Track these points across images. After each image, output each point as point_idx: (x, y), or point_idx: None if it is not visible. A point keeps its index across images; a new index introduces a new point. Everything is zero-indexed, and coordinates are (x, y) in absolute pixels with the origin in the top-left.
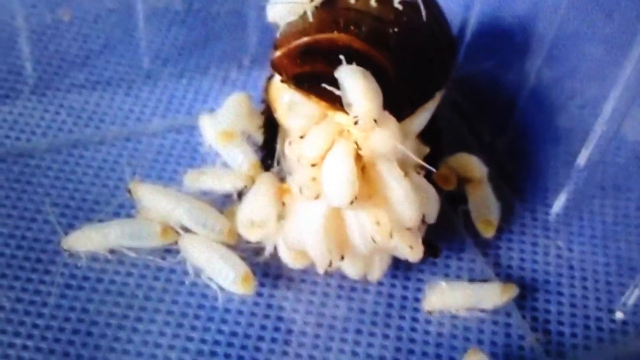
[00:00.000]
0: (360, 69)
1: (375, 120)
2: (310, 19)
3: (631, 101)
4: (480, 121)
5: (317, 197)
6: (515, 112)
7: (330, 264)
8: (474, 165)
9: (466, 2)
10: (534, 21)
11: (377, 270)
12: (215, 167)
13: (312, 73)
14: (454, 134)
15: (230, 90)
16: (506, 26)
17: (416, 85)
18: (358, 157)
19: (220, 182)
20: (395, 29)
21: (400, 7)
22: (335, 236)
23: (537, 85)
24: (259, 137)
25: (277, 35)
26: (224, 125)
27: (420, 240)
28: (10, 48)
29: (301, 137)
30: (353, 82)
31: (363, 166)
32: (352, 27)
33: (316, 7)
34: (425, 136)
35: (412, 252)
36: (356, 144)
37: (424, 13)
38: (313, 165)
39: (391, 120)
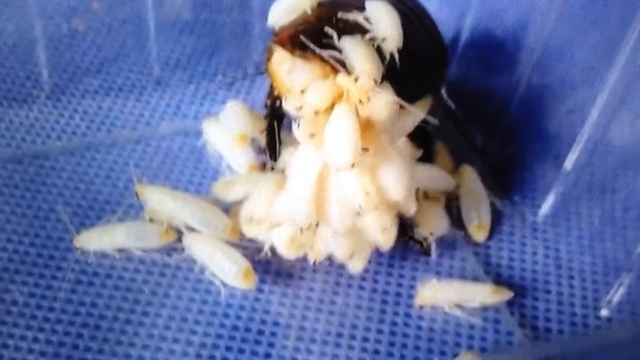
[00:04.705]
0: (363, 39)
1: (375, 81)
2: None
3: (617, 106)
4: (472, 126)
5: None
6: (506, 117)
7: (308, 227)
8: (468, 175)
9: (459, 13)
10: (524, 30)
11: (358, 261)
12: (241, 174)
13: (314, 40)
14: (448, 138)
15: (235, 96)
16: (497, 35)
17: (404, 85)
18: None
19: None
20: None
21: None
22: (318, 202)
23: (527, 91)
24: (262, 140)
25: (277, 29)
26: (236, 129)
27: (394, 225)
28: (28, 55)
29: (302, 91)
30: (356, 46)
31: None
32: (349, 21)
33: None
34: (416, 140)
35: (385, 234)
36: (359, 101)
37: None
38: (317, 113)
39: (389, 88)
